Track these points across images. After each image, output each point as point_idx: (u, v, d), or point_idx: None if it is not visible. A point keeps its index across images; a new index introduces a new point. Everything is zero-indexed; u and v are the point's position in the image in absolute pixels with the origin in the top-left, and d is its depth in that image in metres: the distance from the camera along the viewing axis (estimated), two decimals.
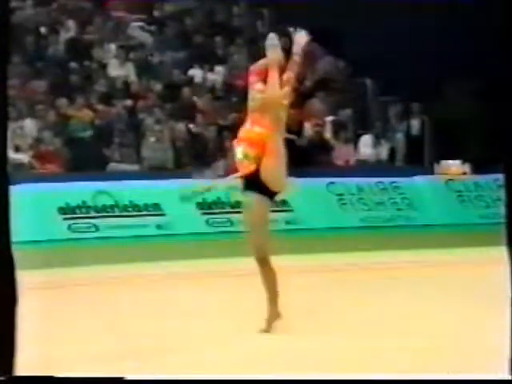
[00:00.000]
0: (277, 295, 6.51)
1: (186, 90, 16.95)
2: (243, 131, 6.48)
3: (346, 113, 17.58)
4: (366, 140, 17.12)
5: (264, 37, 17.32)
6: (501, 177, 15.25)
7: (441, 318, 7.08)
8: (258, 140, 6.34)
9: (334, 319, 6.92)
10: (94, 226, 14.06)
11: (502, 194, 15.05)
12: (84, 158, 14.99)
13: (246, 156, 6.37)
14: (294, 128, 16.70)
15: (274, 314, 6.52)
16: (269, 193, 6.43)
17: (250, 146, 6.35)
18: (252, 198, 6.46)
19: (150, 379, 4.32)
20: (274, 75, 6.54)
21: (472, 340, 6.19)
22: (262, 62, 6.64)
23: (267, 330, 6.50)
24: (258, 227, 6.43)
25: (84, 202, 14.06)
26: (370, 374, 5.02)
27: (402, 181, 15.88)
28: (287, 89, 6.53)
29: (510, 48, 3.26)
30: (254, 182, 6.39)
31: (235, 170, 6.67)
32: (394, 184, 15.84)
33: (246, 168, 6.37)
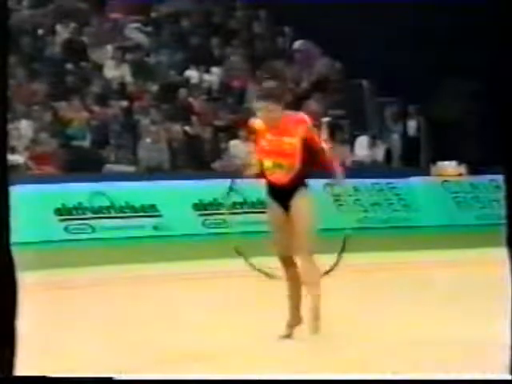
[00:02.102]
0: (300, 299, 6.37)
1: (182, 91, 16.94)
2: (270, 143, 6.29)
3: (342, 114, 17.59)
4: (362, 141, 17.13)
5: (260, 38, 17.30)
6: (496, 178, 15.40)
7: (439, 318, 7.07)
8: (291, 150, 6.26)
9: (332, 320, 6.91)
10: (91, 227, 14.05)
11: (499, 194, 15.19)
12: (80, 160, 14.99)
13: (278, 166, 6.29)
14: None
15: (296, 319, 6.37)
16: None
17: (282, 156, 6.27)
18: (276, 206, 6.38)
19: (141, 379, 4.32)
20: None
21: (472, 340, 6.18)
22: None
23: (289, 335, 6.30)
24: (282, 230, 6.36)
25: (80, 204, 14.06)
26: (370, 373, 5.02)
27: (398, 182, 15.89)
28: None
29: (507, 47, 3.26)
30: (282, 191, 6.33)
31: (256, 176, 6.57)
32: (390, 185, 15.85)
33: (282, 177, 6.29)
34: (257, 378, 4.54)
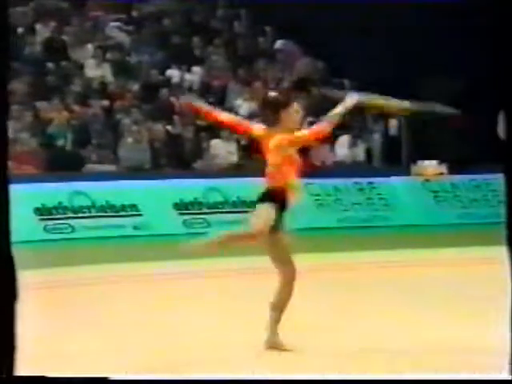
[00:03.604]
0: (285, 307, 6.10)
1: (163, 91, 16.91)
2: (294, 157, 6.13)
3: (324, 113, 17.59)
4: (343, 140, 17.15)
5: (242, 37, 17.32)
6: (476, 177, 15.42)
7: (426, 318, 7.06)
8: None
9: (311, 319, 6.92)
10: (71, 226, 14.00)
11: (478, 194, 15.21)
12: (60, 159, 14.93)
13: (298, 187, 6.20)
14: None
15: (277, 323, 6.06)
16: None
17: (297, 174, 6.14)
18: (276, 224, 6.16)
19: (137, 379, 4.31)
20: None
21: (462, 339, 6.18)
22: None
23: (278, 345, 5.98)
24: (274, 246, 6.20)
25: (60, 203, 14.00)
26: (370, 374, 5.00)
27: (378, 181, 15.92)
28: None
29: (499, 48, 3.27)
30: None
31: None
32: (370, 184, 15.88)
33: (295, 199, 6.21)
34: (256, 378, 4.54)
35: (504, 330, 3.65)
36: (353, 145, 17.16)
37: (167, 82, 17.37)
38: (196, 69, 17.79)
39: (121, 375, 4.50)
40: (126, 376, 4.48)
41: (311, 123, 17.09)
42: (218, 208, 14.78)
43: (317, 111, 17.65)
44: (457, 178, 16.35)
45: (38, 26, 17.47)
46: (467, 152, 16.58)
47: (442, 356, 5.67)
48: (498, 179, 17.93)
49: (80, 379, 4.01)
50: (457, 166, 16.32)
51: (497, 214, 15.97)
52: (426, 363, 5.47)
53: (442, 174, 16.46)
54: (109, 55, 17.38)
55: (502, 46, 3.27)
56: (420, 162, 16.58)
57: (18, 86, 16.03)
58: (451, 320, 6.95)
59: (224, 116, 6.47)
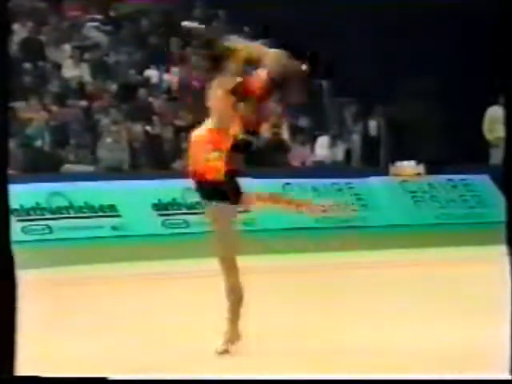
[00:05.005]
0: (238, 315, 6.03)
1: (141, 91, 16.89)
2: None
3: (303, 114, 17.64)
4: (323, 141, 17.19)
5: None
6: (453, 177, 15.45)
7: (411, 318, 7.08)
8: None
9: (293, 320, 6.93)
10: (48, 227, 13.94)
11: (455, 194, 15.26)
12: (39, 160, 14.86)
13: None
14: (251, 129, 16.68)
15: (234, 335, 6.03)
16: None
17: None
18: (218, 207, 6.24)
19: (134, 379, 4.30)
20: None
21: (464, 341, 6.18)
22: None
23: (226, 350, 5.99)
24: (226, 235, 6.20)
25: (38, 204, 13.94)
26: (369, 374, 4.99)
27: (357, 182, 15.97)
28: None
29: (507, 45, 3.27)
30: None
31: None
32: (349, 185, 15.92)
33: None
34: (256, 378, 4.53)
35: (504, 329, 3.66)
36: (332, 145, 17.21)
37: (145, 82, 17.34)
38: (174, 69, 17.77)
39: (119, 375, 4.49)
40: (124, 376, 4.47)
41: (289, 123, 17.21)
42: (197, 208, 14.76)
43: (294, 111, 17.70)
44: (434, 178, 16.44)
45: (15, 26, 17.38)
46: (445, 153, 16.67)
47: (441, 356, 5.66)
48: (475, 179, 18.06)
49: (78, 379, 4.01)
50: (434, 166, 16.42)
51: (474, 215, 16.08)
52: (425, 363, 5.45)
53: (419, 174, 16.54)
54: (87, 55, 17.32)
55: (502, 43, 3.29)
56: (398, 163, 16.66)
57: None
58: (441, 319, 6.96)
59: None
